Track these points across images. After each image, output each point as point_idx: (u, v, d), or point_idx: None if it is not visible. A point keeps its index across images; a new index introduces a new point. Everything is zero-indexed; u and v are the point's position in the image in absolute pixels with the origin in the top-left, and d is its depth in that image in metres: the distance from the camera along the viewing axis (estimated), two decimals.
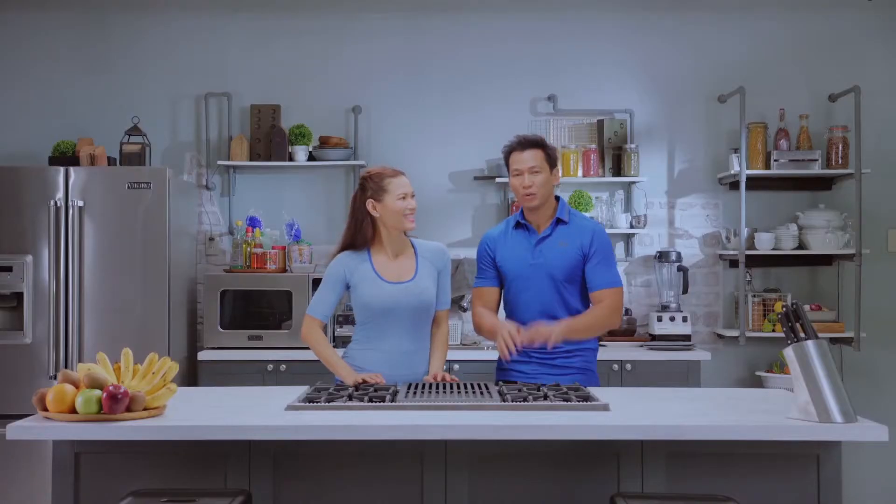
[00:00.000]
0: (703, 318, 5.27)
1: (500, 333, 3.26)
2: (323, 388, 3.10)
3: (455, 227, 5.26)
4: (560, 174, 3.56)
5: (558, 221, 3.38)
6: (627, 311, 5.14)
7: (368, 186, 3.36)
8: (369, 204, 3.35)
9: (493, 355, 4.74)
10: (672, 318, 4.94)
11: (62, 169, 4.60)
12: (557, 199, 3.45)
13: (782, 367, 4.96)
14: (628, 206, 5.24)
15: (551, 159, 3.38)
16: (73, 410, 2.60)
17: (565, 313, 3.32)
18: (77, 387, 2.66)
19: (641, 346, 4.95)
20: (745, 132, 5.00)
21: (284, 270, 4.97)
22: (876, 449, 4.79)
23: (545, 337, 3.19)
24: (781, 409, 2.81)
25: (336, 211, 5.27)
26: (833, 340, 4.98)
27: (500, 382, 3.28)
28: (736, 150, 5.04)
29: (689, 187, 5.30)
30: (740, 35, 5.30)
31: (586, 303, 3.40)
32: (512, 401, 2.84)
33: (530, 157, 3.34)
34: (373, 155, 5.28)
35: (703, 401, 3.09)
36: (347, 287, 3.41)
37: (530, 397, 2.88)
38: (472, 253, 5.19)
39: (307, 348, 3.44)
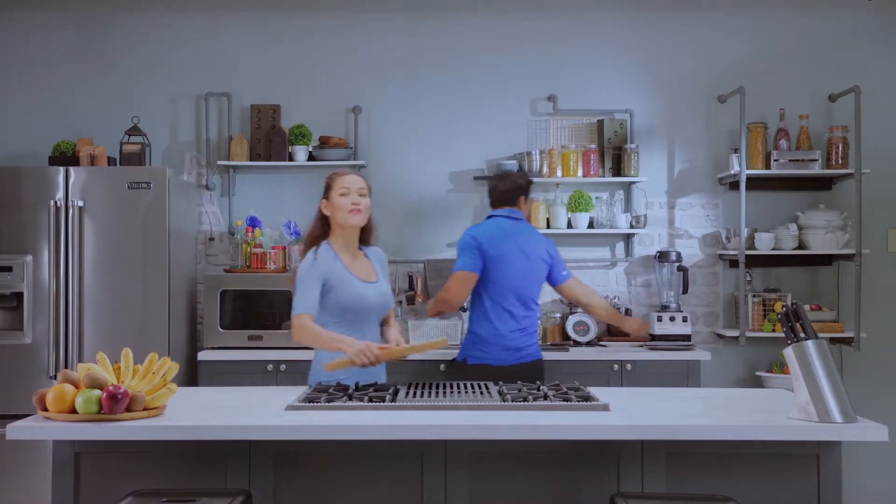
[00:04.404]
0: (703, 318, 5.27)
1: None
2: (323, 388, 3.10)
3: (455, 227, 5.25)
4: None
5: None
6: (628, 312, 5.14)
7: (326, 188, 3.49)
8: (322, 203, 3.47)
9: None
10: (672, 318, 4.94)
11: (62, 169, 4.60)
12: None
13: (782, 367, 4.96)
14: (628, 206, 5.24)
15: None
16: (73, 410, 2.60)
17: None
18: (77, 387, 2.66)
19: (641, 346, 4.95)
20: (745, 132, 5.00)
21: (284, 270, 4.97)
22: (876, 449, 4.79)
23: None
24: (781, 409, 2.81)
25: None
26: (833, 340, 4.98)
27: (501, 384, 3.28)
28: (736, 150, 5.04)
29: (689, 187, 5.30)
30: (740, 35, 5.30)
31: None
32: (512, 401, 2.84)
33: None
34: (373, 155, 5.28)
35: (703, 401, 3.09)
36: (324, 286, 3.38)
37: (530, 397, 2.88)
38: None
39: (308, 348, 3.44)
